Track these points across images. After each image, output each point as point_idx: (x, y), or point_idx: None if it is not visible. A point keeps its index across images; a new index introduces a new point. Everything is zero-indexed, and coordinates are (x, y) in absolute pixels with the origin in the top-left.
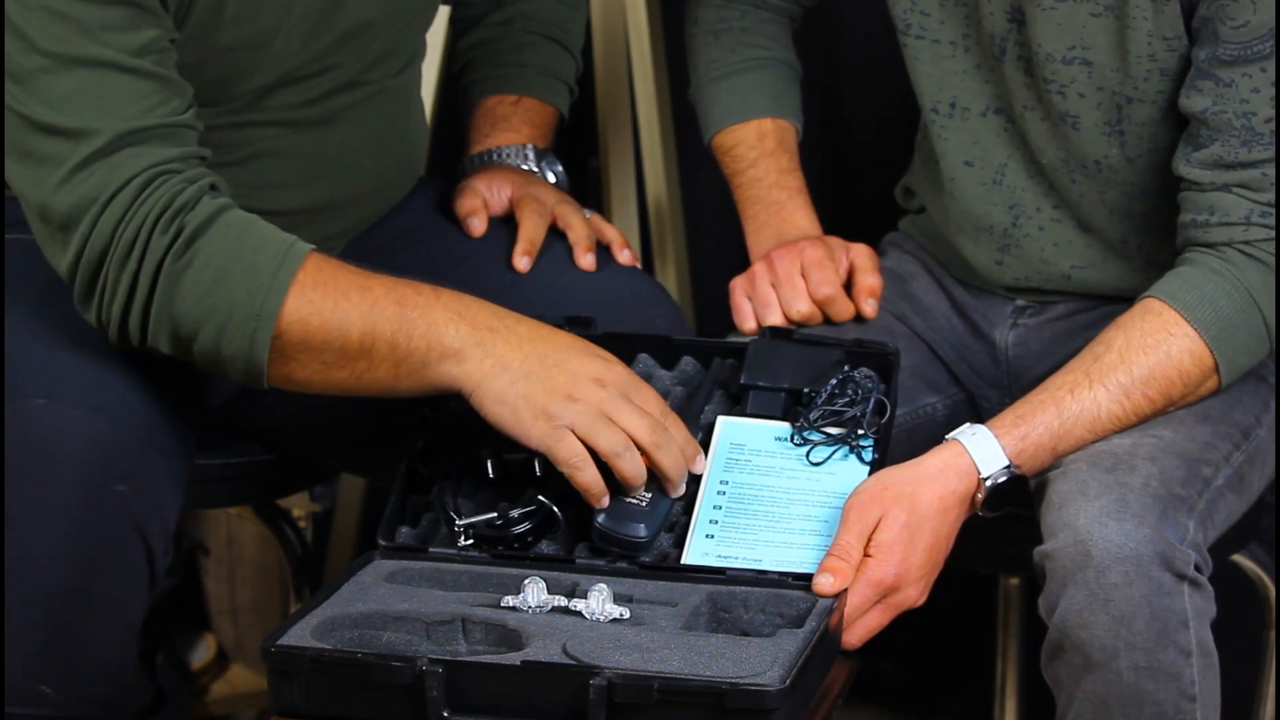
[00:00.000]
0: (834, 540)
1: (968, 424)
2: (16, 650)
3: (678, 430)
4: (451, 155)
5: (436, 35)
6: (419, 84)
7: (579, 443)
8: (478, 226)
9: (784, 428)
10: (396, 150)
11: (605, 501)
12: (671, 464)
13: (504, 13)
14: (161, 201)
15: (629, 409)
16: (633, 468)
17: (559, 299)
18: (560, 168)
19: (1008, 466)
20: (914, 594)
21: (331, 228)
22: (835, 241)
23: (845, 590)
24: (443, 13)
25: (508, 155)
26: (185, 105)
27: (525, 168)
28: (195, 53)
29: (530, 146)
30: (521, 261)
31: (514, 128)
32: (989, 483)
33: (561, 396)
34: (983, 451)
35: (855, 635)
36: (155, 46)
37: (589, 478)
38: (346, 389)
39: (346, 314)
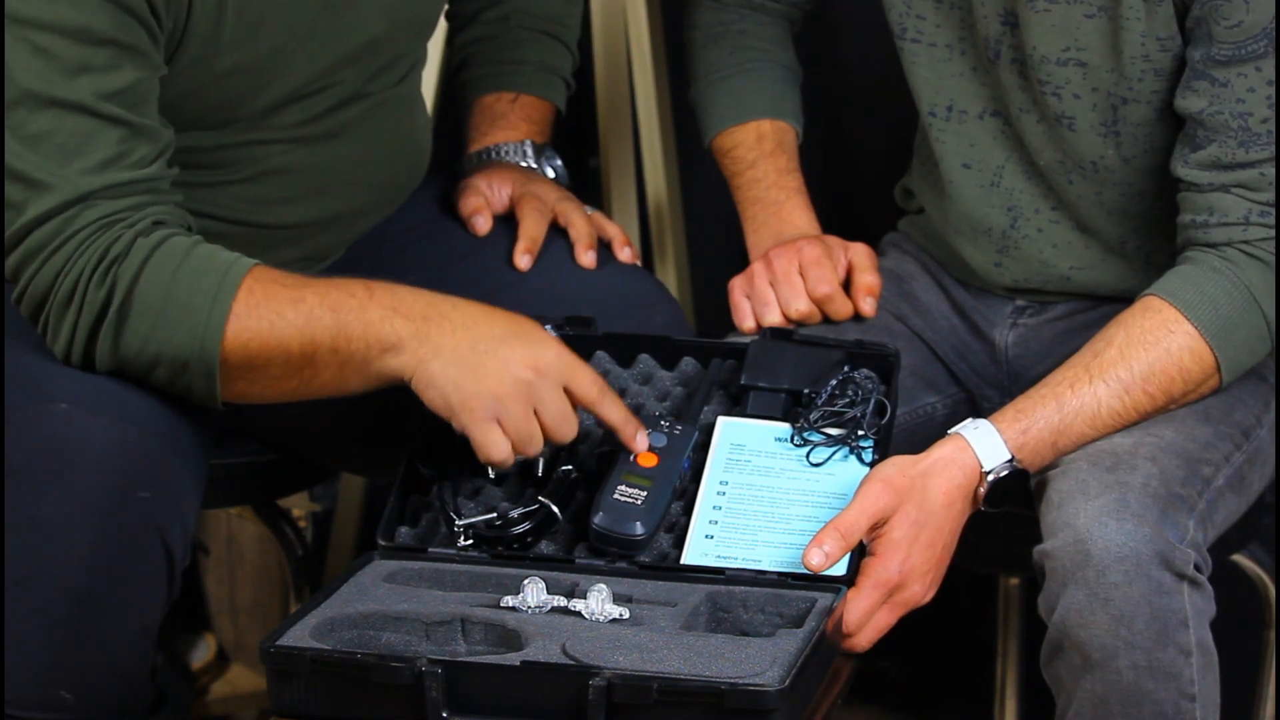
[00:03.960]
0: (840, 514)
1: (970, 418)
2: (36, 655)
3: (614, 410)
4: (451, 153)
5: (436, 32)
6: (420, 85)
7: (500, 432)
8: (483, 225)
9: (784, 428)
10: (403, 158)
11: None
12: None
13: (501, 9)
14: (98, 253)
15: (553, 401)
16: (531, 452)
17: (559, 297)
18: (559, 162)
19: (1009, 460)
20: (919, 590)
21: (340, 236)
22: (833, 240)
23: (846, 591)
24: None
25: (506, 152)
26: (154, 154)
27: (524, 164)
28: (195, 78)
29: (529, 143)
30: (523, 260)
31: (512, 124)
32: (990, 476)
33: (489, 385)
34: (985, 445)
35: (865, 638)
36: (133, 90)
37: (499, 465)
38: (299, 395)
39: (284, 331)
